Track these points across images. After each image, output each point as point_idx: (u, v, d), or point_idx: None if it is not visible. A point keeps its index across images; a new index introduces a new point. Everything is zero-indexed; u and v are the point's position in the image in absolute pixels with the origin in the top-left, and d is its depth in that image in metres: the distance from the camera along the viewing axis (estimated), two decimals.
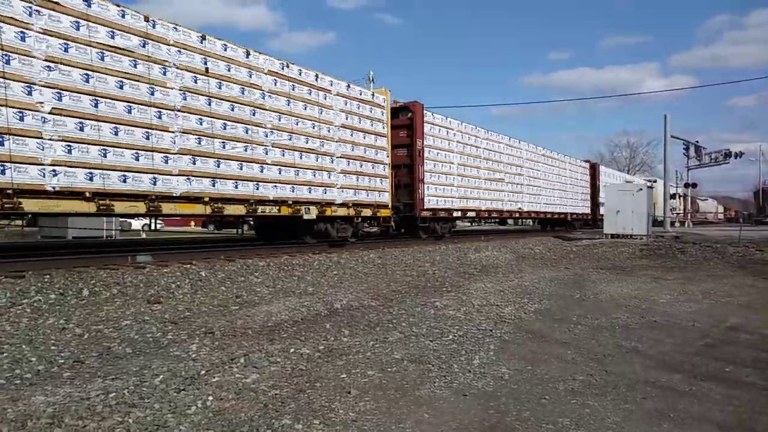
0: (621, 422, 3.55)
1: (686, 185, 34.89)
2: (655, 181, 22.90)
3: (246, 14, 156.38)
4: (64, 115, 7.61)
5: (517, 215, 23.81)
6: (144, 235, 22.38)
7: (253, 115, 10.54)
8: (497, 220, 23.47)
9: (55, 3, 7.51)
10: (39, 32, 7.35)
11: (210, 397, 3.70)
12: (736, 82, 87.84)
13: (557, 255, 16.18)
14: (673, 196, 32.58)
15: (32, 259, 9.15)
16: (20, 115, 7.16)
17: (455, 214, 18.20)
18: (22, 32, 7.18)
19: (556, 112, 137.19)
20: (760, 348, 5.51)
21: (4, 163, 7.01)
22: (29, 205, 7.41)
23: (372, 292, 8.39)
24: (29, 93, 7.27)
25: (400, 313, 6.79)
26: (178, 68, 9.16)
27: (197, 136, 9.46)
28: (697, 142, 31.58)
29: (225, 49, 10.08)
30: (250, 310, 6.69)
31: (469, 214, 19.27)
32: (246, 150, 10.36)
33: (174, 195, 9.12)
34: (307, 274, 9.63)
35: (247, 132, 10.38)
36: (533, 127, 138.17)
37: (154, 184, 8.80)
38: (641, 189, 20.08)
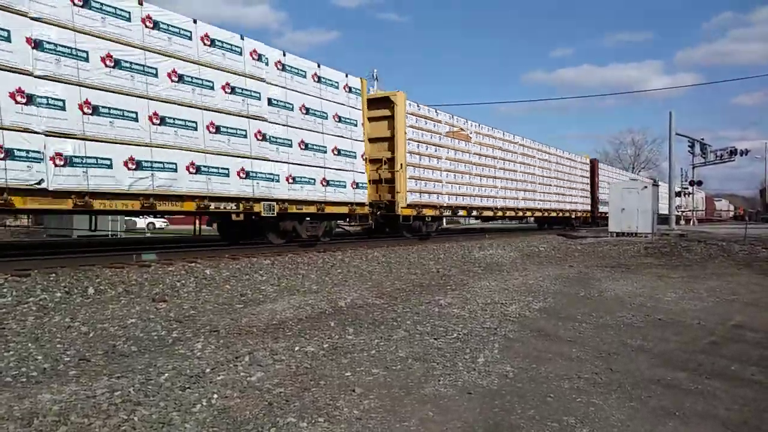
0: (626, 420, 3.54)
1: (691, 183, 34.75)
2: (657, 185, 25.77)
3: (252, 12, 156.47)
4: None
5: None
6: (149, 234, 22.47)
7: (570, 177, 28.47)
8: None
9: None
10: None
11: (215, 396, 3.71)
12: (741, 79, 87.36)
13: (562, 253, 16.15)
14: (678, 194, 32.88)
15: (38, 258, 9.19)
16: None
17: (604, 216, 32.97)
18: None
19: (560, 110, 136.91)
20: (766, 346, 5.48)
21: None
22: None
23: (376, 290, 8.39)
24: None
25: (405, 311, 6.79)
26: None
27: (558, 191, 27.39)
28: (702, 139, 31.53)
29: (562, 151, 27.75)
30: (254, 309, 6.70)
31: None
32: (547, 187, 25.86)
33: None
34: (312, 272, 9.65)
35: (564, 183, 27.72)
36: (540, 126, 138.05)
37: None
38: (646, 187, 20.04)
